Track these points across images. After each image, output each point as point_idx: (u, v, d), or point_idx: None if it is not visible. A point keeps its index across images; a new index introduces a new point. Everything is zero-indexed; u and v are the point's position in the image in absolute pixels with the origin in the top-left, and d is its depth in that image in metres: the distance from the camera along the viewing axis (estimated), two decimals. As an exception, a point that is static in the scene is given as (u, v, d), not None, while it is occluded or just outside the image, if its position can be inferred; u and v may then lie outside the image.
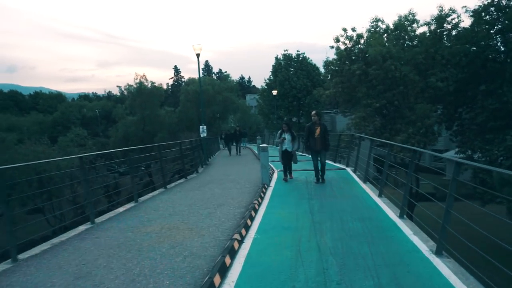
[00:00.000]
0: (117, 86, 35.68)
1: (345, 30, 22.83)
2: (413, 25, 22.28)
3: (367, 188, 8.63)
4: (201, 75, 48.60)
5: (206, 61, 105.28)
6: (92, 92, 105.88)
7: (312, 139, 9.40)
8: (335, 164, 13.80)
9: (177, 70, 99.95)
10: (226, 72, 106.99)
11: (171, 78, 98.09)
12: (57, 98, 73.98)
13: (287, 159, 10.21)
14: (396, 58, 19.77)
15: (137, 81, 33.67)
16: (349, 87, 22.88)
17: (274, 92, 34.25)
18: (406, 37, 22.46)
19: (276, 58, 40.95)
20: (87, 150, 28.89)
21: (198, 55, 15.41)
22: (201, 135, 15.91)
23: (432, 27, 21.09)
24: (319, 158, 9.55)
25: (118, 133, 36.24)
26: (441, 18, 20.61)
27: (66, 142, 29.32)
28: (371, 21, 23.15)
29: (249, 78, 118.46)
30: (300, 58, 40.29)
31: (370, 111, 20.85)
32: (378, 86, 20.40)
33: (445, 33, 21.12)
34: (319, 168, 9.61)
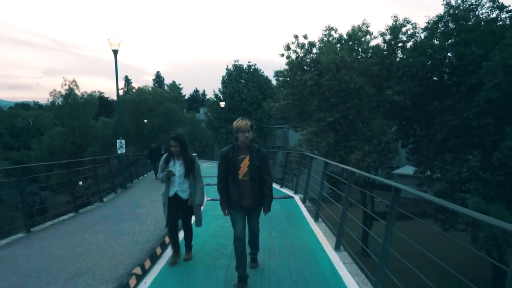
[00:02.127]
0: (50, 93, 30.95)
1: (296, 37, 20.93)
2: (367, 37, 20.89)
3: (319, 232, 6.10)
4: (151, 85, 44.83)
5: (158, 72, 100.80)
6: (34, 101, 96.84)
7: (233, 181, 3.92)
8: (281, 190, 11.30)
9: (127, 81, 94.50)
10: (180, 84, 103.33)
11: (121, 89, 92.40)
12: None
13: (179, 214, 4.73)
14: (351, 67, 18.03)
15: (66, 87, 29.49)
16: (301, 99, 20.86)
17: (222, 104, 31.70)
18: (360, 48, 20.97)
19: (227, 69, 38.66)
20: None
21: (115, 52, 12.38)
22: (118, 152, 12.74)
23: (387, 37, 19.76)
24: (247, 224, 4.14)
25: (42, 145, 31.54)
26: (396, 29, 19.32)
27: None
28: (324, 29, 21.49)
29: (204, 91, 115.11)
30: (252, 70, 38.29)
31: (323, 126, 18.87)
32: (332, 98, 18.51)
33: (399, 44, 19.87)
34: (249, 240, 4.30)
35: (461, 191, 14.14)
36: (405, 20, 19.27)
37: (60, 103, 30.46)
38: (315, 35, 61.97)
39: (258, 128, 37.26)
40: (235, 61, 38.97)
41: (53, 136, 30.79)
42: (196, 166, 4.73)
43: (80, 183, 23.97)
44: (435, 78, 18.82)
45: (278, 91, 26.20)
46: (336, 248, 5.18)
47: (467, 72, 16.35)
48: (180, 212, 4.70)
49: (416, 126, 19.74)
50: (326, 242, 5.53)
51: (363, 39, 20.83)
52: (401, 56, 19.57)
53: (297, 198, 9.61)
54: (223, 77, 38.62)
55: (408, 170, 28.45)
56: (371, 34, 20.78)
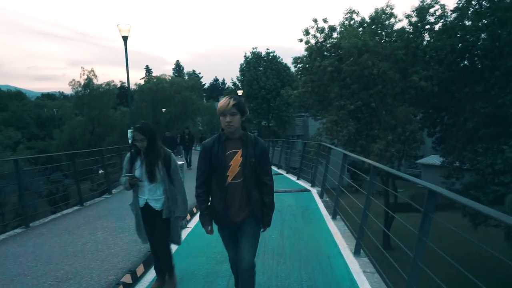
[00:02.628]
0: (69, 83, 31.16)
1: (315, 21, 19.91)
2: (391, 20, 19.64)
3: (337, 233, 5.47)
4: (171, 74, 44.44)
5: (177, 61, 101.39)
6: (59, 91, 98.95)
7: (218, 185, 2.72)
8: (298, 182, 10.68)
9: (148, 70, 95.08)
10: (199, 73, 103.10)
11: (142, 78, 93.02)
12: (16, 96, 68.38)
13: (153, 228, 3.59)
14: (373, 52, 16.98)
15: (84, 77, 29.57)
16: (320, 86, 19.95)
17: (240, 92, 31.06)
18: (383, 32, 19.75)
19: (245, 56, 37.92)
20: (18, 154, 24.57)
21: (125, 38, 11.92)
22: (130, 142, 12.42)
23: (413, 19, 18.49)
24: (237, 253, 2.81)
25: (63, 135, 31.95)
26: (423, 10, 18.02)
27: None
28: (345, 12, 20.34)
29: (224, 80, 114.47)
30: (270, 57, 37.39)
31: (344, 114, 17.97)
32: (353, 85, 17.55)
33: (427, 26, 18.56)
34: (240, 283, 2.87)
35: (494, 184, 13.09)
36: (433, 0, 17.93)
37: (79, 92, 30.63)
38: (336, 19, 59.89)
39: (277, 116, 36.59)
40: (253, 48, 38.14)
41: (73, 126, 31.08)
42: (172, 166, 3.49)
43: (101, 171, 24.09)
44: (465, 62, 17.50)
45: (297, 78, 25.37)
46: (356, 253, 4.54)
47: (502, 55, 15.03)
48: (150, 226, 3.54)
49: (444, 114, 18.51)
50: (344, 245, 4.90)
51: (386, 22, 19.62)
52: (428, 39, 18.28)
53: (314, 191, 8.98)
54: (241, 65, 37.94)
55: (434, 159, 27.12)
56: (395, 17, 19.53)
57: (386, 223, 17.53)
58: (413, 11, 18.35)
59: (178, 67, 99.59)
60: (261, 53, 37.47)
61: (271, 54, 37.32)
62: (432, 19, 18.14)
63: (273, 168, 14.78)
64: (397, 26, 19.44)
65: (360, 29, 19.47)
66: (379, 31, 19.55)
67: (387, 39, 19.54)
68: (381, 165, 4.87)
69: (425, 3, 17.92)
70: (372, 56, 16.75)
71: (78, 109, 31.55)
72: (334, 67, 17.91)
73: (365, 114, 18.51)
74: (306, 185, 10.07)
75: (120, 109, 34.83)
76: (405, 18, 18.88)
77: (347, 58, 17.29)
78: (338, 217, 6.30)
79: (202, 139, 32.19)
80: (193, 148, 20.60)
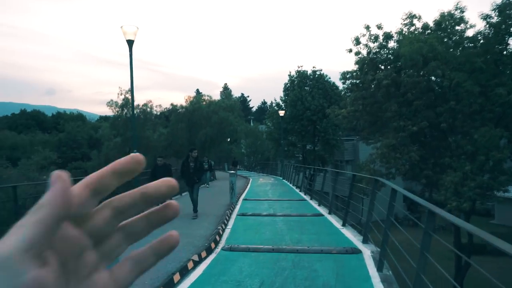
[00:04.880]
0: (107, 103, 30.59)
1: (367, 28, 16.90)
2: (461, 25, 16.06)
3: None
4: (218, 97, 43.24)
5: (225, 84, 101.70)
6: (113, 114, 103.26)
7: None
8: (342, 231, 7.50)
9: (199, 94, 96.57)
10: (248, 96, 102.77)
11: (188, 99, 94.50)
12: (78, 118, 72.37)
13: None
14: (443, 60, 13.52)
15: (122, 97, 28.80)
16: (374, 104, 16.70)
17: (281, 113, 28.42)
18: (451, 40, 16.13)
19: (289, 75, 35.44)
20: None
21: (130, 42, 9.86)
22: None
23: (494, 20, 14.81)
24: None
25: (100, 156, 31.20)
26: (508, 7, 14.34)
27: (28, 166, 24.35)
28: (404, 17, 17.06)
29: (271, 103, 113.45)
30: (317, 76, 34.52)
31: (403, 137, 14.49)
32: (416, 101, 14.11)
33: (512, 29, 14.77)
34: None
35: None
36: (521, -6, 14.20)
37: (116, 113, 29.88)
38: (392, 27, 55.43)
39: (323, 140, 33.23)
40: (298, 67, 35.57)
41: (110, 147, 30.25)
42: None
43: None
44: None
45: (345, 97, 22.20)
46: None
47: None
48: None
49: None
50: None
51: (457, 27, 16.09)
52: (516, 43, 14.48)
53: (367, 253, 5.81)
54: (285, 84, 35.49)
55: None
56: (466, 22, 15.94)
57: (458, 274, 13.54)
58: (494, 9, 14.70)
59: (225, 90, 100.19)
60: (306, 71, 34.79)
61: (317, 73, 34.46)
62: (520, 18, 14.37)
63: (314, 205, 11.66)
64: (469, 33, 15.82)
65: (424, 35, 16.11)
66: (446, 40, 15.99)
67: (456, 48, 15.95)
68: (442, 211, 3.20)
69: (510, -1, 14.25)
70: (441, 64, 13.30)
71: (115, 130, 30.78)
72: (391, 80, 14.65)
73: (432, 137, 14.86)
74: (355, 238, 6.91)
75: (159, 130, 33.68)
76: (481, 20, 15.25)
77: (409, 67, 13.99)
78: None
79: (235, 163, 29.91)
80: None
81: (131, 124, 11.45)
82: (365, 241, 6.55)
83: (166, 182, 0.31)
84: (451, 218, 2.98)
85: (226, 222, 8.32)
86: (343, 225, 8.12)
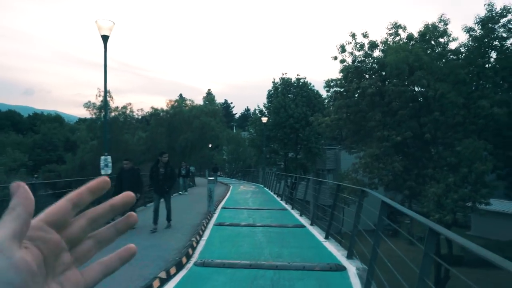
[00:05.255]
0: (84, 104, 29.37)
1: (353, 36, 16.74)
2: (444, 38, 16.08)
3: None
4: (200, 102, 42.62)
5: (209, 90, 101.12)
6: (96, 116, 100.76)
7: None
8: (325, 244, 7.03)
9: (182, 98, 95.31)
10: (231, 103, 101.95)
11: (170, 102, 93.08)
12: (55, 120, 69.98)
13: None
14: (428, 70, 13.42)
15: (100, 98, 27.72)
16: (357, 113, 16.49)
17: (264, 120, 28.01)
18: (437, 49, 16.14)
19: (273, 82, 35.20)
20: (18, 179, 22.42)
21: (105, 38, 9.22)
22: (102, 172, 9.40)
23: (477, 32, 14.88)
24: None
25: (75, 159, 29.97)
26: (490, 20, 14.42)
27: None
28: (389, 27, 16.99)
29: (254, 110, 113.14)
30: (301, 83, 34.39)
31: (387, 147, 14.28)
32: (400, 110, 13.95)
33: (494, 42, 14.86)
34: None
35: None
36: (504, 8, 14.32)
37: (94, 115, 28.79)
38: (377, 36, 55.82)
39: (305, 148, 32.99)
40: (282, 74, 35.37)
41: (86, 150, 29.06)
42: None
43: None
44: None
45: (329, 105, 22.02)
46: None
47: None
48: None
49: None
50: None
51: (440, 39, 16.11)
52: (498, 56, 14.55)
53: (352, 270, 5.36)
54: (269, 91, 35.18)
55: (500, 206, 22.04)
56: (449, 35, 15.95)
57: (437, 286, 13.32)
58: (477, 22, 14.79)
59: (209, 95, 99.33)
60: (291, 79, 34.63)
61: (301, 80, 34.34)
62: (503, 33, 14.46)
63: (295, 215, 11.19)
64: (451, 46, 15.83)
65: (409, 46, 16.06)
66: (429, 51, 15.96)
67: (440, 59, 15.95)
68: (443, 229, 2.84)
69: (493, 12, 14.35)
70: (426, 74, 13.18)
71: (92, 132, 29.65)
72: (376, 89, 14.46)
73: (415, 148, 14.72)
74: (339, 253, 6.44)
75: (138, 134, 32.68)
76: (465, 33, 15.32)
77: (394, 76, 13.83)
78: None
79: (215, 169, 29.22)
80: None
81: (105, 126, 10.68)
82: (349, 256, 6.10)
83: (127, 195, 0.39)
84: (457, 238, 2.53)
85: (201, 233, 7.73)
86: (326, 237, 7.67)
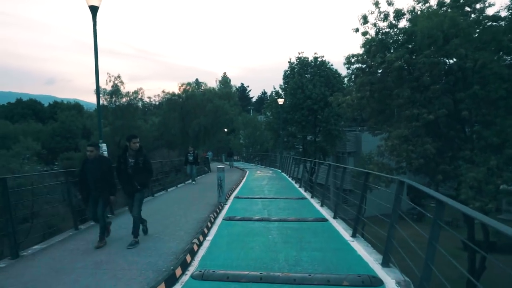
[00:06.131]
0: (94, 91, 28.60)
1: (377, 4, 15.06)
2: (479, 3, 14.17)
3: None
4: (215, 86, 41.11)
5: (224, 73, 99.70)
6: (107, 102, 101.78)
7: None
8: (354, 248, 5.83)
9: (198, 84, 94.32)
10: (248, 86, 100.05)
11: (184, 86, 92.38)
12: (74, 108, 70.45)
13: None
14: (467, 37, 11.72)
15: (111, 83, 26.92)
16: (382, 90, 14.94)
17: (280, 102, 26.61)
18: (471, 16, 14.25)
19: (289, 62, 33.54)
20: (30, 167, 22.08)
21: (93, 9, 8.07)
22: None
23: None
24: None
25: (89, 147, 29.53)
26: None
27: (7, 157, 22.62)
28: (417, -7, 15.15)
29: (271, 92, 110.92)
30: (318, 63, 32.58)
31: (418, 127, 12.78)
32: (433, 85, 12.35)
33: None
34: None
35: None
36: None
37: (105, 101, 28.09)
38: (403, 4, 52.45)
39: (324, 130, 31.47)
40: (299, 53, 33.60)
41: (98, 137, 28.58)
42: None
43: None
44: None
45: (349, 85, 20.39)
46: None
47: None
48: None
49: None
50: None
51: (477, 5, 14.22)
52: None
53: (391, 286, 4.16)
54: (285, 72, 33.60)
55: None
56: (485, 0, 14.04)
57: (472, 276, 12.00)
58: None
59: (224, 79, 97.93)
60: (307, 58, 32.86)
61: (319, 59, 32.51)
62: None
63: (316, 205, 10.01)
64: (488, 12, 13.92)
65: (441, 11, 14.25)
66: (462, 19, 14.10)
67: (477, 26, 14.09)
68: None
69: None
70: (465, 42, 11.50)
71: (104, 118, 29.03)
72: (404, 61, 12.88)
73: (449, 127, 13.14)
74: (370, 257, 5.24)
75: (152, 119, 31.93)
76: (506, -5, 13.39)
77: (424, 47, 12.19)
78: None
79: (230, 153, 28.08)
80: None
81: (99, 112, 9.68)
82: (385, 264, 4.88)
83: None
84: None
85: (206, 231, 6.66)
86: (353, 235, 6.46)
